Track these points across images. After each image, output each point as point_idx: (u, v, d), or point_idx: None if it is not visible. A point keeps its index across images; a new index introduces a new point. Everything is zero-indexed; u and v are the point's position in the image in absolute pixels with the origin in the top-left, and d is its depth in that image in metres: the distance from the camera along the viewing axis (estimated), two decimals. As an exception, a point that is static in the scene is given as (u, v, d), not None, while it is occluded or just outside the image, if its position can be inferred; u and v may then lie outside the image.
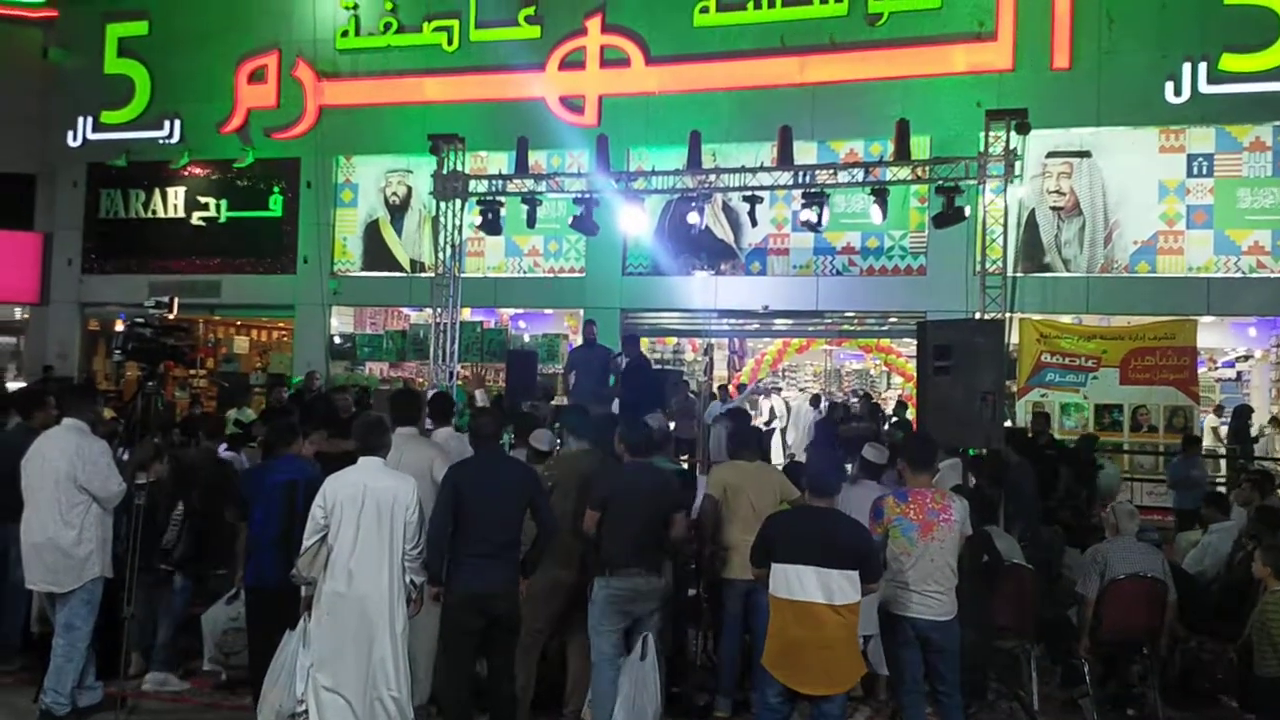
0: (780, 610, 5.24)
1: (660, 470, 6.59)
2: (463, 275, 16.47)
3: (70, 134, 21.40)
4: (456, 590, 5.69)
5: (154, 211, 21.27)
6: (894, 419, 15.77)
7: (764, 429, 16.29)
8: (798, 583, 5.17)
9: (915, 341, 8.76)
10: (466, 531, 5.68)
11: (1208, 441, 16.24)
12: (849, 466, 8.00)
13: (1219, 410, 16.86)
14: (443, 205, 15.74)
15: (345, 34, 19.85)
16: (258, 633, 6.47)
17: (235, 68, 20.30)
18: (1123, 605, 7.05)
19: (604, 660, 6.05)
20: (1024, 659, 7.40)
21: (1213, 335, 17.21)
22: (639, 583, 6.08)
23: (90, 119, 21.30)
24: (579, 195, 14.96)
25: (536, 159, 16.95)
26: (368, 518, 5.56)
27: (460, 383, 16.04)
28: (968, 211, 13.35)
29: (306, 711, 5.62)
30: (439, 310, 15.83)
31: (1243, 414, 14.94)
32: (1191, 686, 7.60)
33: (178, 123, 20.71)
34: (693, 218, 14.53)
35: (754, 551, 5.52)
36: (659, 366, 17.75)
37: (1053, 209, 16.69)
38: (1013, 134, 12.94)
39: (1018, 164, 13.14)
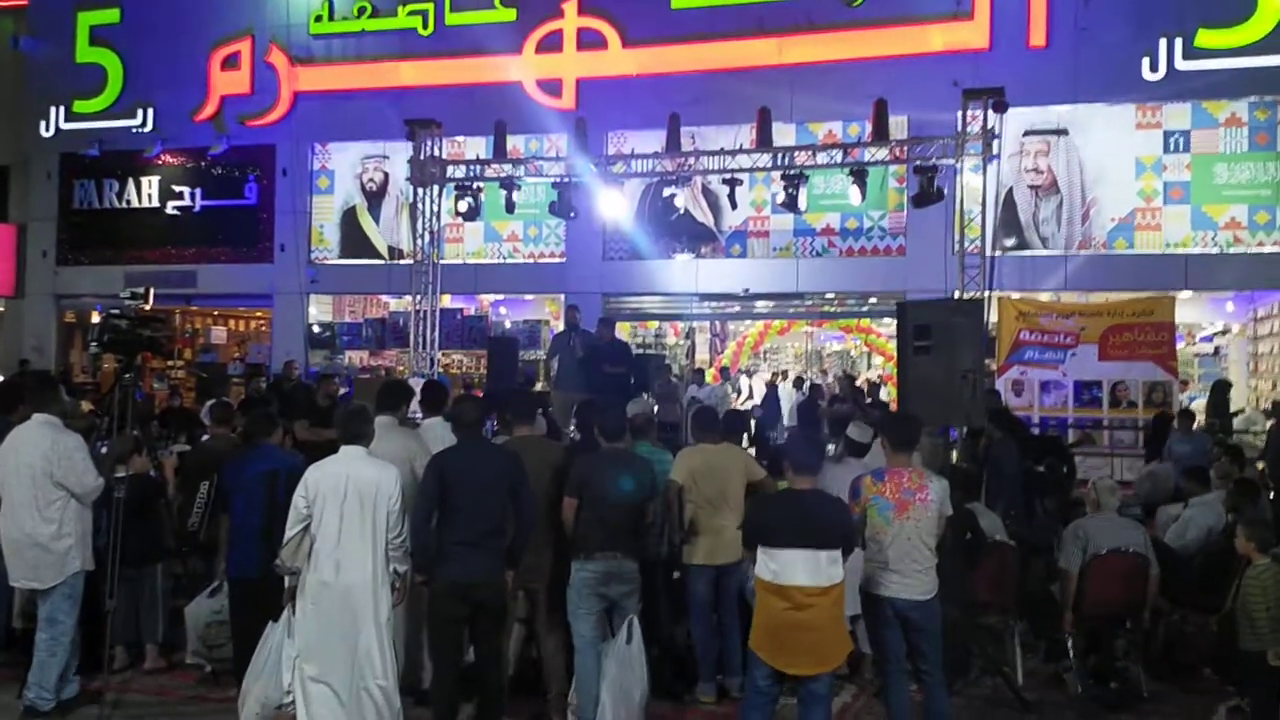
0: (767, 594, 5.25)
1: (634, 455, 6.58)
2: (442, 262, 16.43)
3: (43, 124, 21.19)
4: (440, 579, 5.67)
5: (128, 201, 21.11)
6: (869, 400, 15.79)
7: (742, 408, 16.28)
8: (784, 566, 5.18)
9: (895, 321, 8.78)
10: (450, 520, 5.66)
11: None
12: (832, 447, 8.03)
13: (1184, 385, 16.94)
14: (420, 191, 15.68)
15: (319, 19, 19.70)
16: (241, 624, 6.46)
17: (208, 55, 20.13)
18: (1105, 580, 7.09)
19: (585, 644, 6.05)
20: (1007, 634, 7.44)
21: (1190, 310, 17.33)
22: (613, 565, 6.07)
23: (62, 109, 21.09)
24: (558, 179, 14.92)
25: (514, 143, 16.89)
26: (350, 507, 5.52)
27: (440, 369, 16.01)
28: (945, 191, 13.38)
29: (293, 702, 5.60)
30: (418, 297, 15.78)
31: (1221, 389, 15.03)
32: (1174, 659, 7.64)
33: (151, 111, 20.52)
34: (679, 201, 14.50)
35: (744, 538, 5.55)
36: (639, 351, 17.75)
37: (1030, 187, 16.74)
38: (990, 113, 12.96)
39: (995, 143, 13.18)
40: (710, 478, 6.82)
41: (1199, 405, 15.14)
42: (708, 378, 17.77)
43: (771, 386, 17.39)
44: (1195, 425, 12.56)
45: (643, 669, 6.02)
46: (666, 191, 14.51)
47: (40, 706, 6.33)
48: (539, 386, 15.18)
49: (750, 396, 18.94)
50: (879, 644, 5.73)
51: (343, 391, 14.03)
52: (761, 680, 5.30)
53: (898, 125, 15.43)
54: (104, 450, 6.93)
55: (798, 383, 18.75)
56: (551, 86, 18.29)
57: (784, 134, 16.08)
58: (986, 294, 13.14)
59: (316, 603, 5.52)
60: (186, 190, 20.66)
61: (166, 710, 6.68)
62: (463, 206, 15.00)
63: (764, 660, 5.26)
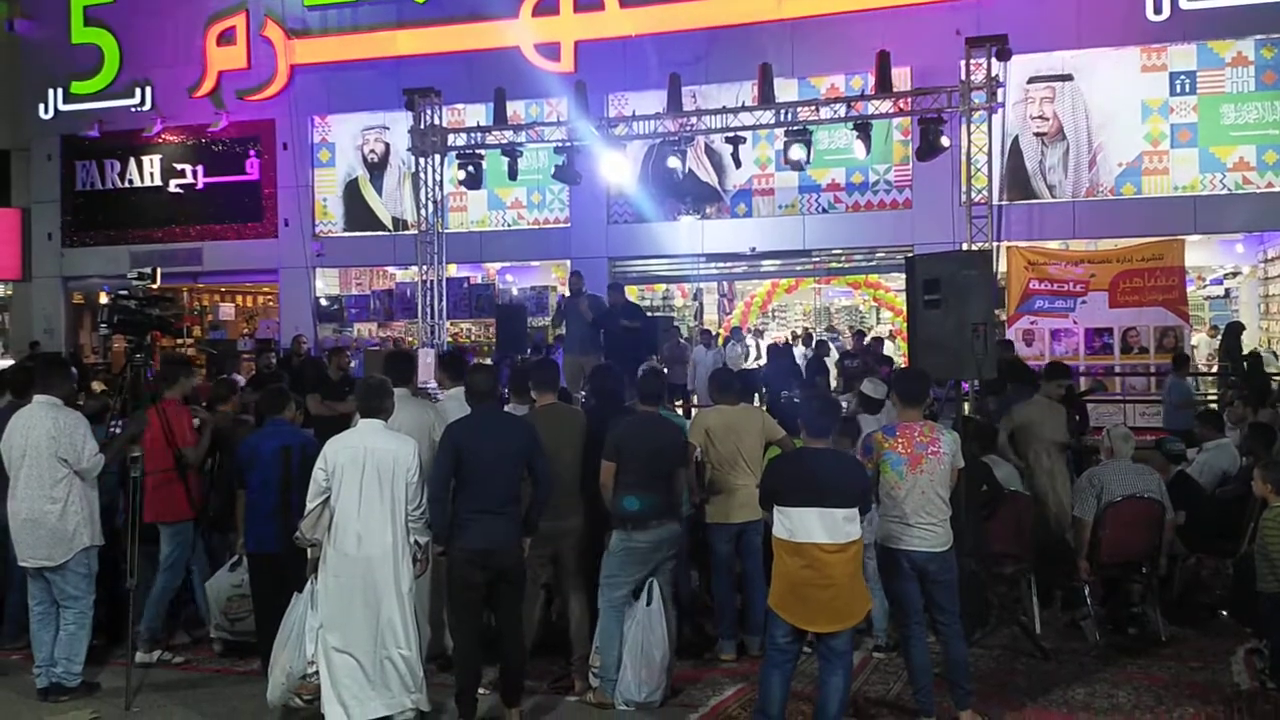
0: (785, 552, 5.26)
1: (668, 419, 6.61)
2: (446, 231, 16.39)
3: (41, 107, 21.10)
4: (459, 547, 5.70)
5: (130, 181, 21.07)
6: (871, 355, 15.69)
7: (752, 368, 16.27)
8: (800, 525, 5.19)
9: (903, 275, 8.76)
10: (468, 489, 5.67)
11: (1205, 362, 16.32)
12: (845, 404, 8.03)
13: (1214, 331, 16.88)
14: (422, 161, 15.62)
15: (313, -10, 19.52)
16: (262, 597, 6.53)
17: (203, 31, 20.01)
18: (1121, 527, 7.10)
19: (614, 608, 6.10)
20: (1024, 584, 7.46)
21: (1200, 253, 17.21)
22: (660, 533, 6.15)
23: (60, 90, 20.99)
24: (560, 144, 14.85)
25: (515, 109, 16.78)
26: (369, 479, 5.56)
27: (449, 339, 16.01)
28: (945, 141, 13.26)
29: (317, 672, 5.66)
30: (424, 268, 15.78)
31: (1234, 331, 14.98)
32: (1191, 603, 7.68)
33: (149, 90, 20.43)
34: (673, 162, 14.39)
35: (761, 498, 5.57)
36: (649, 313, 17.73)
37: (1036, 135, 16.58)
38: (993, 61, 12.84)
39: (999, 91, 13.06)
40: (726, 438, 6.84)
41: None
42: (718, 339, 17.71)
43: (776, 347, 17.35)
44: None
45: (663, 630, 6.07)
46: (672, 162, 14.38)
47: (67, 683, 6.40)
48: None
49: (760, 357, 18.92)
50: (897, 598, 5.76)
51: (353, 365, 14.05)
52: (781, 638, 5.32)
53: (901, 77, 15.29)
54: (117, 430, 6.95)
55: (806, 339, 18.73)
56: (550, 50, 18.13)
57: (786, 89, 15.93)
58: (995, 244, 13.11)
59: (338, 574, 5.57)
60: (188, 168, 20.61)
61: (191, 684, 6.74)
62: (462, 174, 14.96)
63: (783, 618, 5.28)
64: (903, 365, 12.98)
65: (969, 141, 13.37)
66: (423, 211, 15.86)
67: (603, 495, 6.19)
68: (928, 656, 5.71)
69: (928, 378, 6.39)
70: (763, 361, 18.48)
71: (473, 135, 15.43)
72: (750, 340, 19.57)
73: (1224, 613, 7.54)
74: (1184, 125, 16.06)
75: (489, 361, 12.70)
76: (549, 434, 6.08)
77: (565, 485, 6.20)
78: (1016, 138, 16.52)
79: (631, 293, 19.49)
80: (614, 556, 6.13)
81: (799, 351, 18.21)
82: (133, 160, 20.99)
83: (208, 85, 20.04)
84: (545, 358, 11.12)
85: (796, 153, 13.68)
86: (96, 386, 12.47)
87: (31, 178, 21.62)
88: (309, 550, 5.78)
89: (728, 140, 14.48)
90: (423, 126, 15.30)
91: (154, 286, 7.30)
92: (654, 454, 6.19)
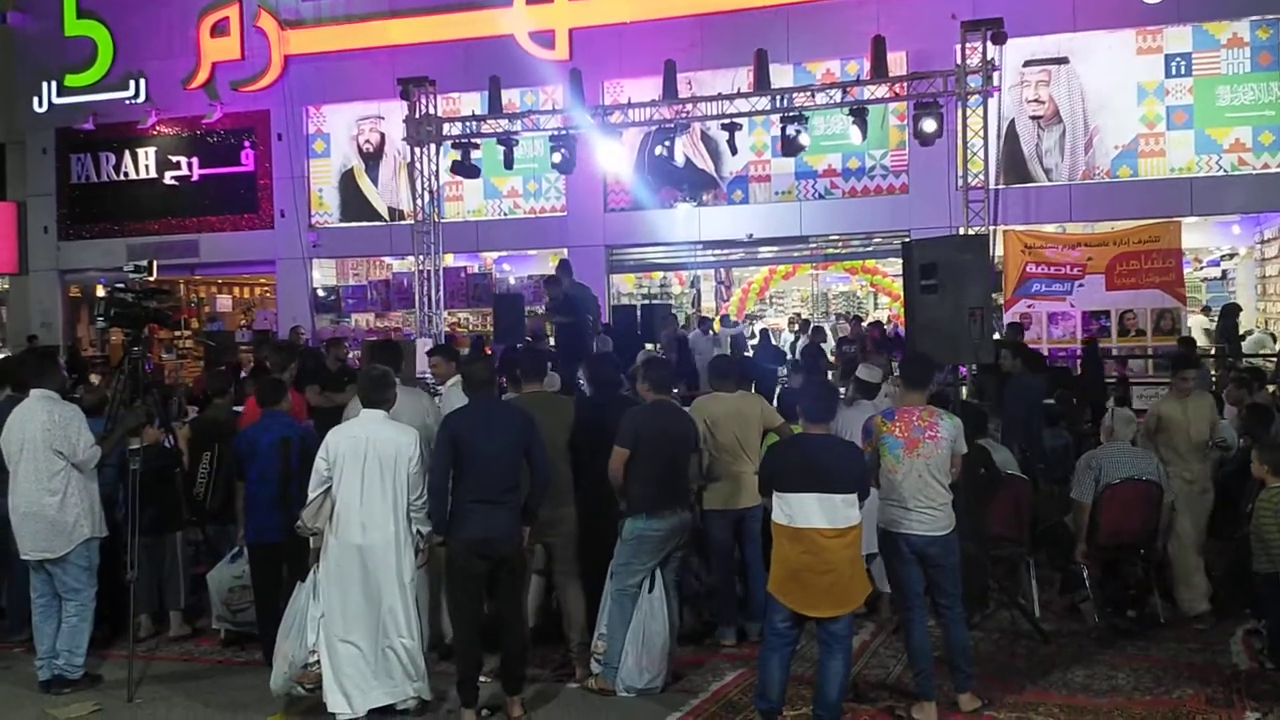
0: (784, 538, 5.28)
1: (680, 409, 6.63)
2: (443, 221, 16.36)
3: (35, 100, 21.03)
4: (459, 537, 5.70)
5: (126, 174, 21.02)
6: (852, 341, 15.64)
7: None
8: (800, 510, 5.20)
9: (901, 261, 8.75)
10: (467, 479, 5.67)
11: (1199, 341, 16.30)
12: (843, 390, 8.04)
13: (1206, 310, 16.90)
14: (417, 151, 15.58)
15: (307, -21, 19.44)
16: (263, 588, 6.55)
17: (197, 22, 19.93)
18: (1120, 509, 7.11)
19: (627, 596, 6.10)
20: (1024, 567, 7.48)
21: (1197, 235, 17.21)
22: (674, 521, 6.16)
23: (54, 83, 20.92)
24: (555, 132, 14.82)
25: (510, 97, 16.72)
26: (371, 469, 5.58)
27: (446, 329, 15.98)
28: (931, 126, 13.23)
29: (319, 661, 5.67)
30: (421, 258, 15.75)
31: (1231, 312, 14.98)
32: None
33: (143, 82, 20.37)
34: (659, 150, 14.38)
35: (760, 484, 5.59)
36: (646, 302, 17.73)
37: (1032, 118, 16.57)
38: (989, 44, 12.81)
39: (995, 75, 13.03)
40: (726, 425, 6.84)
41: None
42: (715, 326, 17.68)
43: (766, 333, 17.37)
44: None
45: (665, 617, 6.08)
46: (659, 151, 14.35)
47: (69, 674, 6.41)
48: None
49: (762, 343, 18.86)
50: (898, 581, 5.77)
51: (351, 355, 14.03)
52: (780, 623, 5.34)
53: (896, 61, 15.25)
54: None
55: (804, 326, 18.71)
56: (545, 38, 18.07)
57: (782, 75, 15.92)
58: (991, 228, 13.10)
59: (340, 564, 5.59)
60: (183, 160, 20.55)
61: (193, 675, 6.76)
62: (446, 163, 14.95)
63: (782, 603, 5.30)
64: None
65: (965, 126, 13.35)
66: (419, 201, 15.83)
67: (612, 481, 6.18)
68: (928, 640, 5.72)
69: (932, 362, 6.39)
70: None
71: (468, 124, 15.39)
72: (753, 327, 19.53)
73: (1223, 594, 7.55)
74: (1180, 107, 16.04)
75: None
76: (539, 422, 6.08)
77: (557, 473, 6.20)
78: (1013, 121, 16.50)
79: (629, 280, 19.56)
80: (627, 544, 6.13)
81: (789, 338, 18.21)
82: (128, 153, 20.93)
83: (202, 77, 19.97)
84: (535, 346, 11.16)
85: (801, 137, 13.65)
86: (95, 379, 12.45)
87: (27, 171, 21.57)
88: (311, 539, 5.80)
89: (724, 127, 14.46)
90: (418, 116, 15.26)
91: (151, 279, 7.30)
92: (670, 442, 6.19)
